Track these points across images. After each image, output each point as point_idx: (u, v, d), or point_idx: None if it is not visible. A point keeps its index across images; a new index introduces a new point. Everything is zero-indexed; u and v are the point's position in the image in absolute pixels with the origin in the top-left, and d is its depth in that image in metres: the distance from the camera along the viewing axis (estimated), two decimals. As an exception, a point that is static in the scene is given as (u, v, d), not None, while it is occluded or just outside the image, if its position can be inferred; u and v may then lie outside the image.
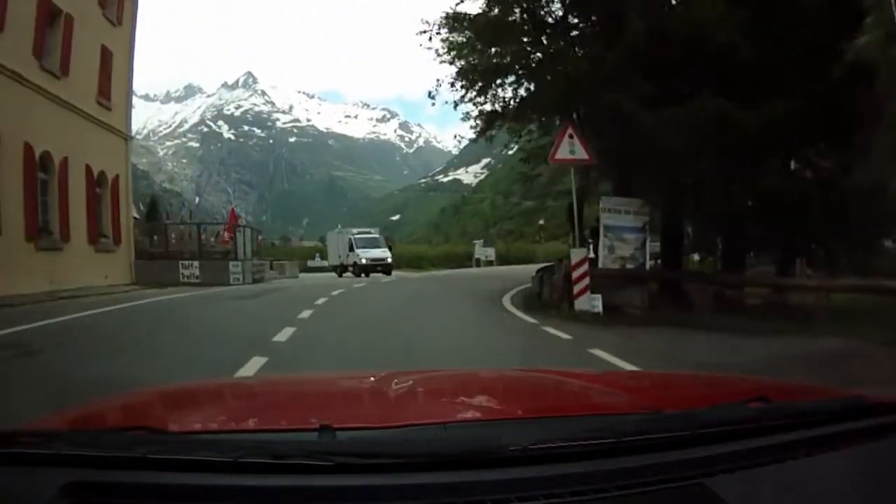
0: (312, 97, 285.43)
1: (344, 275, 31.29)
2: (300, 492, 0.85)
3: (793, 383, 1.84)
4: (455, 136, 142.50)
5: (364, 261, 30.27)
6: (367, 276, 28.33)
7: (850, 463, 0.99)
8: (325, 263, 38.37)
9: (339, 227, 40.52)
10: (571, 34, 12.61)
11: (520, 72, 13.25)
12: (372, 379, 1.82)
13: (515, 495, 0.84)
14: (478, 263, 32.79)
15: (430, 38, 12.93)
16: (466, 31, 12.91)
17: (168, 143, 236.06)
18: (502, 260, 34.74)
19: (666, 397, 1.50)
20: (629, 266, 11.20)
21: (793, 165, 11.86)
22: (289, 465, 0.86)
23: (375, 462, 0.88)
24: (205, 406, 1.50)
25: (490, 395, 1.63)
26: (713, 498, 0.86)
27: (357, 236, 32.80)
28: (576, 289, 10.06)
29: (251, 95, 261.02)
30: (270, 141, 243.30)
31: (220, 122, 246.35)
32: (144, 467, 0.87)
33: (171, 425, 1.13)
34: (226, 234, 26.46)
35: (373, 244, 32.04)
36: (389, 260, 31.39)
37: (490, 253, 37.15)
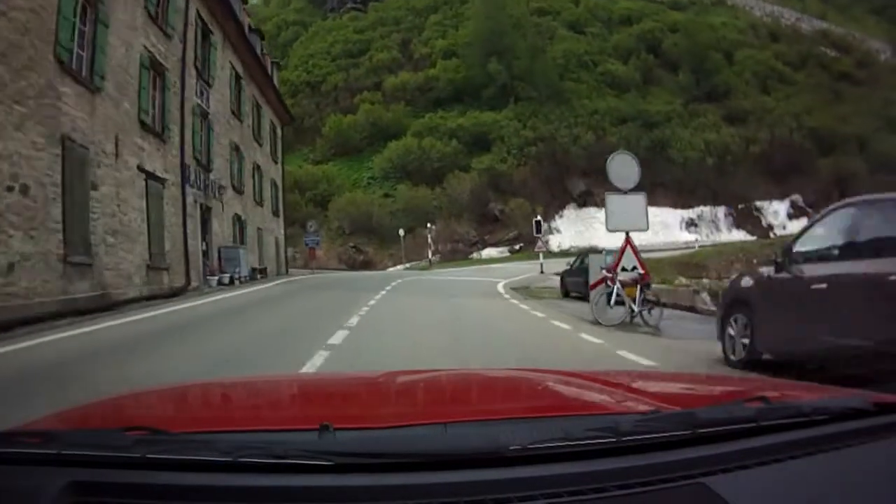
0: None
1: None
2: (300, 492, 0.85)
3: (793, 383, 1.83)
4: None
5: None
6: None
7: (849, 463, 0.99)
8: None
9: None
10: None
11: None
12: (372, 378, 1.81)
13: (515, 495, 0.84)
14: None
15: None
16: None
17: None
18: None
19: (666, 397, 1.49)
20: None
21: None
22: (289, 465, 0.86)
23: (375, 462, 0.87)
24: (205, 406, 1.50)
25: (490, 395, 1.63)
26: (713, 498, 0.86)
27: None
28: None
29: None
30: None
31: None
32: (144, 467, 0.86)
33: (170, 425, 1.12)
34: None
35: None
36: None
37: None
